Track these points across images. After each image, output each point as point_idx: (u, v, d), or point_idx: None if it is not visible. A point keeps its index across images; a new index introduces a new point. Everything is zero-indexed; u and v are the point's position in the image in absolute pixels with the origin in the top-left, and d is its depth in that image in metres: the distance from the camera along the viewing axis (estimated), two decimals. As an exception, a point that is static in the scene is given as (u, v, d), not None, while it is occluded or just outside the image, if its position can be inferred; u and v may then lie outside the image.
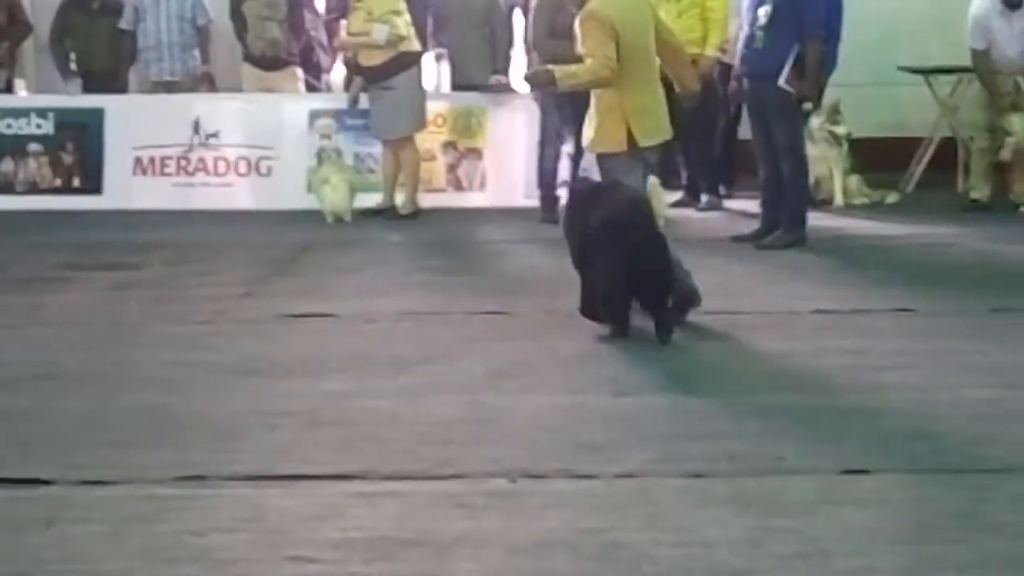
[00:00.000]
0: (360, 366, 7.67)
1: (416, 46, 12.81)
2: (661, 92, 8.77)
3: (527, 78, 9.36)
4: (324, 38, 14.16)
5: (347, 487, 5.76)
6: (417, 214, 12.88)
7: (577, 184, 9.58)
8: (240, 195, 13.43)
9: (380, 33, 12.45)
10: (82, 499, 5.68)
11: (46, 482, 5.83)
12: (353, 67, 13.17)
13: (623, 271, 7.95)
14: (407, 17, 12.67)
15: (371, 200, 12.93)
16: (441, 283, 9.97)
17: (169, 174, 13.50)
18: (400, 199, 13.00)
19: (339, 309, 9.05)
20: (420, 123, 12.97)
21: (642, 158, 8.61)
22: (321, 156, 13.30)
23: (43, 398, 7.14)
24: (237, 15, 13.73)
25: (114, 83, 13.78)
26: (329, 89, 14.24)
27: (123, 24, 13.66)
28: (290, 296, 9.53)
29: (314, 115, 13.56)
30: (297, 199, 13.22)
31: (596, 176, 8.82)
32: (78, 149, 13.55)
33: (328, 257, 11.04)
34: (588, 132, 8.69)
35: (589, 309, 8.30)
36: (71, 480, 5.85)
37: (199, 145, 13.48)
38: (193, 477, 5.86)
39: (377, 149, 13.24)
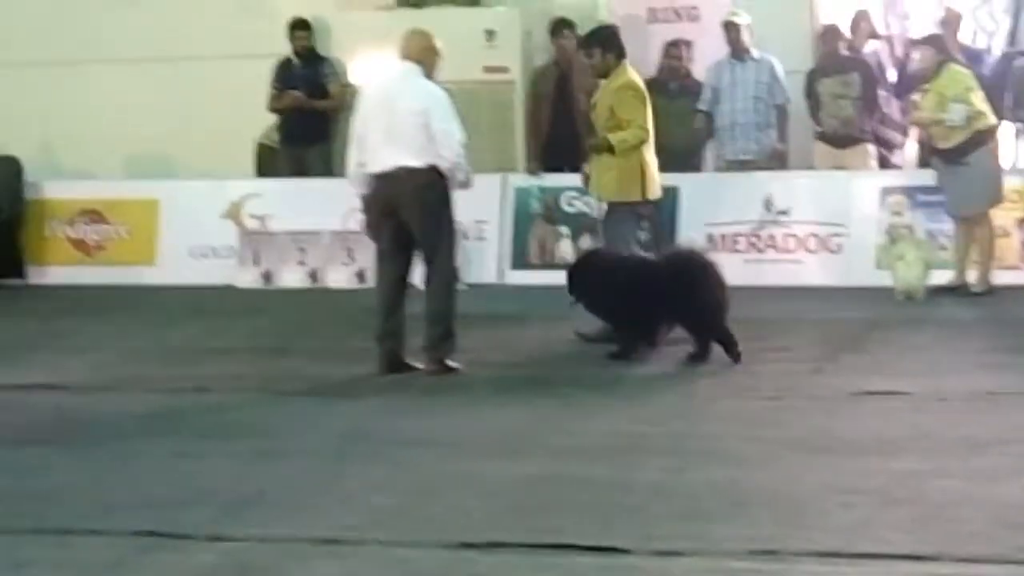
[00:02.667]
0: (932, 445, 7.56)
1: (992, 120, 12.58)
2: None
3: (590, 146, 11.16)
4: (896, 114, 14.08)
5: (920, 568, 5.68)
6: (990, 291, 12.60)
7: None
8: (810, 271, 13.49)
9: (957, 114, 12.29)
10: (657, 570, 5.82)
11: (624, 551, 6.01)
12: (928, 148, 13.06)
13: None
14: (980, 93, 12.47)
15: (942, 277, 12.74)
16: (1016, 363, 9.71)
17: (740, 251, 13.70)
18: (972, 276, 12.74)
19: (910, 387, 8.96)
20: (996, 199, 12.70)
21: (640, 211, 11.18)
22: (892, 233, 13.19)
23: (619, 468, 7.36)
24: (812, 93, 13.83)
25: (689, 162, 14.09)
26: (901, 166, 14.13)
27: (701, 105, 13.97)
28: (860, 373, 9.50)
29: (886, 192, 13.50)
30: (866, 276, 13.16)
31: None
32: (654, 227, 13.90)
33: (898, 334, 10.94)
34: (604, 183, 10.94)
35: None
36: (647, 551, 6.01)
37: (770, 222, 13.62)
38: (766, 552, 5.91)
39: (948, 226, 13.04)
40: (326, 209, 14.12)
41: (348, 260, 14.08)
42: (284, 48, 14.96)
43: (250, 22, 15.32)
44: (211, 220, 14.72)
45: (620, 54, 11.15)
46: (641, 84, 11.08)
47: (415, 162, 9.83)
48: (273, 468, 7.61)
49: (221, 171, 15.08)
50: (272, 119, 15.10)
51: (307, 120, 14.70)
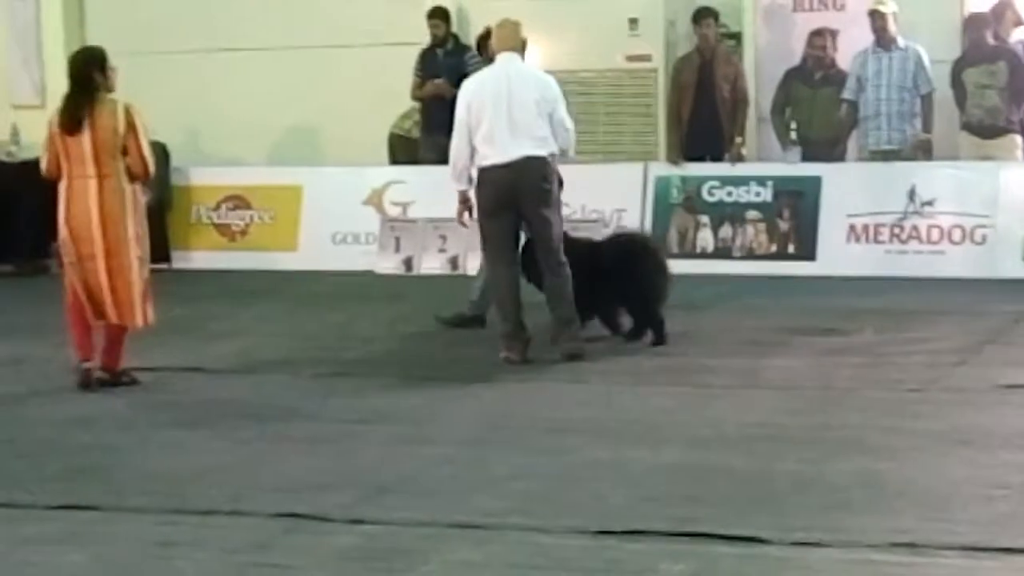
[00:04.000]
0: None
1: None
2: None
3: None
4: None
5: (1067, 564, 5.62)
6: None
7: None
8: (953, 263, 13.32)
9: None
10: (796, 561, 5.80)
11: (763, 541, 6.00)
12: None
13: None
14: None
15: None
16: None
17: (882, 241, 13.57)
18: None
19: (1057, 381, 8.84)
20: None
21: None
22: (1040, 224, 13.00)
23: (759, 458, 7.34)
24: (957, 83, 13.65)
25: (832, 152, 13.97)
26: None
27: (846, 94, 13.83)
28: (1005, 366, 9.37)
29: (1033, 182, 13.31)
30: (1012, 268, 12.99)
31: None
32: (794, 216, 13.85)
33: (1046, 327, 10.80)
34: None
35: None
36: (787, 541, 5.98)
37: (913, 213, 13.47)
38: (907, 544, 5.87)
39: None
40: (468, 196, 14.21)
41: (488, 247, 14.14)
42: (425, 36, 15.03)
43: (394, 10, 15.42)
44: (353, 207, 14.85)
45: None
46: None
47: (539, 151, 9.94)
48: (414, 453, 7.67)
49: (363, 158, 15.20)
50: (402, 109, 15.18)
51: (449, 108, 14.73)
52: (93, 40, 15.90)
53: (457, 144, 10.08)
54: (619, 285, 10.37)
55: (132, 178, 9.33)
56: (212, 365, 9.90)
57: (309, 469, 7.44)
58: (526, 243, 10.31)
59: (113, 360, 9.51)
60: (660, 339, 10.38)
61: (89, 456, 7.87)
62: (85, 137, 9.22)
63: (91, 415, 8.82)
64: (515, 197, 9.94)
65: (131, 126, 9.28)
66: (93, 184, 9.25)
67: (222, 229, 15.46)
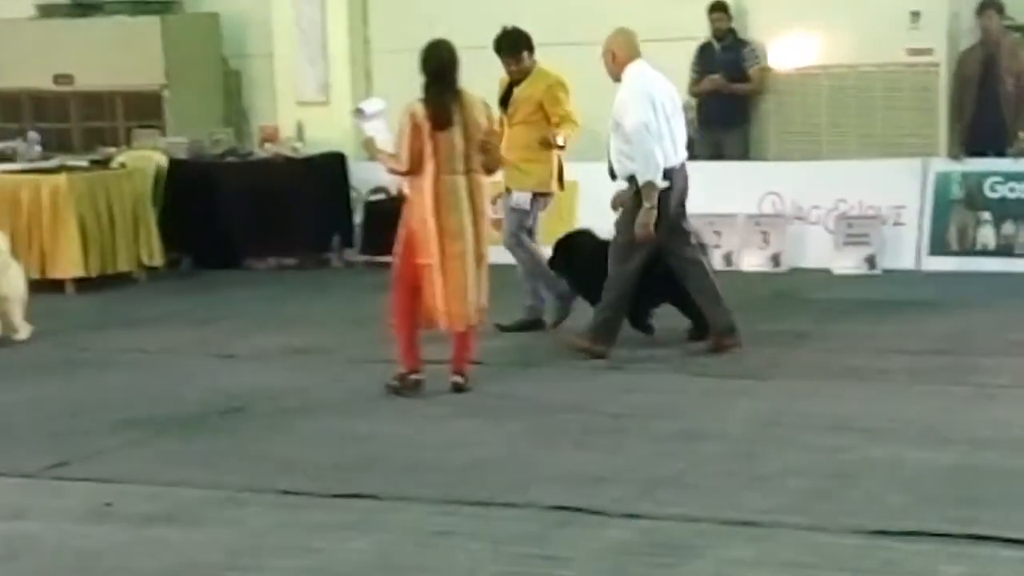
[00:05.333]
0: None
1: None
2: None
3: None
4: None
5: None
6: None
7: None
8: None
9: None
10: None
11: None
12: None
13: None
14: None
15: None
16: None
17: None
18: None
19: None
20: None
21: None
22: None
23: None
24: None
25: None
26: None
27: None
28: None
29: None
30: None
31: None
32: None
33: None
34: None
35: None
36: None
37: None
38: None
39: None
40: (742, 193, 14.12)
41: (763, 244, 14.02)
42: (700, 31, 14.97)
43: (667, 6, 15.38)
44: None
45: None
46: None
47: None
48: (689, 448, 7.67)
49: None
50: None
51: (726, 104, 14.69)
52: (375, 37, 16.34)
53: (656, 147, 9.96)
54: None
55: (487, 173, 9.44)
56: (490, 359, 10.02)
57: (583, 462, 7.50)
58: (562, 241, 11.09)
59: (467, 361, 9.40)
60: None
61: (367, 446, 8.06)
62: (456, 132, 9.20)
63: (370, 406, 9.01)
64: (683, 199, 10.29)
65: (491, 121, 9.40)
66: (462, 180, 9.22)
67: (498, 224, 15.59)
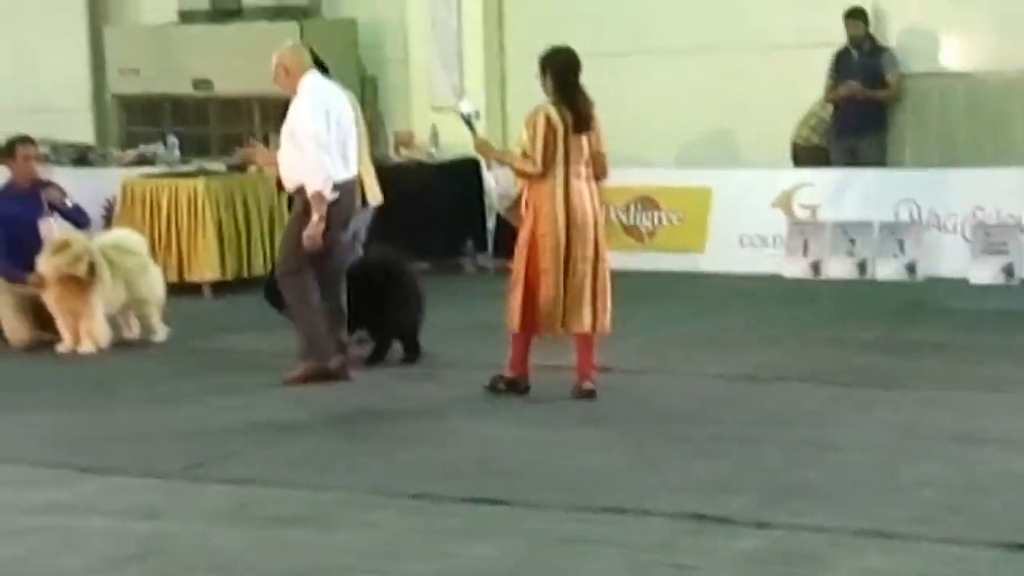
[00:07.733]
0: None
1: None
2: None
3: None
4: None
5: None
6: None
7: None
8: None
9: None
10: None
11: None
12: None
13: None
14: None
15: None
16: None
17: None
18: None
19: None
20: None
21: None
22: None
23: None
24: None
25: None
26: None
27: None
28: None
29: None
30: None
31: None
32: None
33: None
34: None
35: None
36: None
37: None
38: None
39: None
40: (877, 200, 13.98)
41: (898, 251, 13.86)
42: (837, 38, 14.84)
43: (804, 12, 15.27)
44: (762, 209, 14.77)
45: None
46: None
47: None
48: (820, 458, 7.60)
49: (773, 160, 15.11)
50: (800, 117, 15.02)
51: (863, 110, 14.55)
52: (510, 42, 16.38)
53: (324, 156, 9.90)
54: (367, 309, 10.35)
55: (598, 179, 9.42)
56: (618, 364, 10.00)
57: (712, 470, 7.46)
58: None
59: (592, 367, 9.34)
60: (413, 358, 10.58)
61: (492, 450, 8.08)
62: (587, 137, 9.22)
63: (492, 411, 9.03)
64: None
65: (599, 127, 9.37)
66: (586, 185, 9.25)
67: (631, 230, 15.58)
